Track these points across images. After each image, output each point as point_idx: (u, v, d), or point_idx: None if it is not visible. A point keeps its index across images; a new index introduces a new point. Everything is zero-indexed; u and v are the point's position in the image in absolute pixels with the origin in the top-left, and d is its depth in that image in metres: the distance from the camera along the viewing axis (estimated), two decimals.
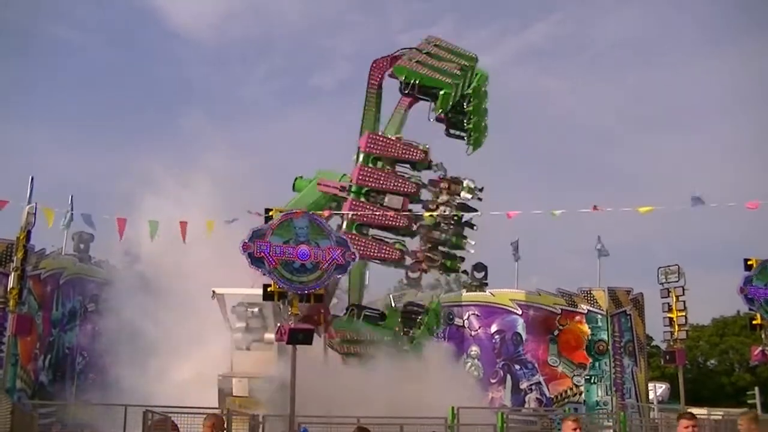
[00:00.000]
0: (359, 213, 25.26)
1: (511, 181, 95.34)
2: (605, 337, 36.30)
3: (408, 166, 27.19)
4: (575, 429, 9.29)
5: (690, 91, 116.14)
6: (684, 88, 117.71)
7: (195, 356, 24.26)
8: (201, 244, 25.13)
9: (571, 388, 36.08)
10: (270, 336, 22.21)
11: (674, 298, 31.43)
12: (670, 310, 31.59)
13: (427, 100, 27.46)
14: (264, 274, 18.56)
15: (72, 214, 30.84)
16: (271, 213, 19.16)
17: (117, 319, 26.78)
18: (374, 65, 28.18)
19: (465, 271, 27.04)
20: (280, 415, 18.69)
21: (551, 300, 37.10)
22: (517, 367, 36.37)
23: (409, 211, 26.08)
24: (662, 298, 32.12)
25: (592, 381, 36.08)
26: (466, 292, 37.39)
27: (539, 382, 36.19)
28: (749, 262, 25.15)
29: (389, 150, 26.46)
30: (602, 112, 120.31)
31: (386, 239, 26.48)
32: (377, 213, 25.49)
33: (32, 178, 20.79)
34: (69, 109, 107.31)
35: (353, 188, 26.11)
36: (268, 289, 18.54)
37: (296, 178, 28.33)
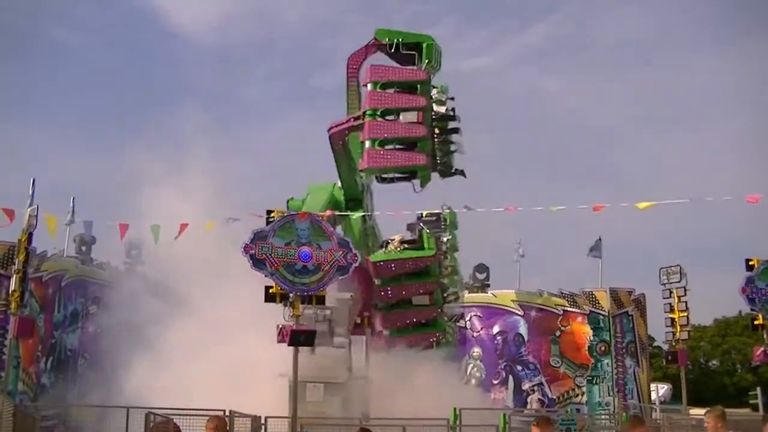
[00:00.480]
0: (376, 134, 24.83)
1: (512, 181, 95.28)
2: (607, 337, 36.31)
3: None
4: (718, 426, 8.77)
5: (690, 90, 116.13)
6: (684, 88, 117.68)
7: (205, 356, 24.21)
8: (202, 245, 25.17)
9: (573, 389, 36.10)
10: (340, 339, 22.12)
11: (676, 298, 31.44)
12: (671, 310, 31.59)
13: (412, 55, 26.92)
14: (266, 276, 18.56)
15: (73, 217, 30.90)
16: (272, 214, 19.17)
17: (119, 321, 26.78)
18: (332, 135, 27.74)
19: (462, 171, 26.27)
20: (282, 417, 18.67)
21: (553, 301, 37.13)
22: (519, 368, 36.39)
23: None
24: (664, 298, 32.12)
25: (594, 382, 36.09)
26: (468, 293, 37.37)
27: (541, 383, 36.21)
28: (751, 263, 25.17)
29: (394, 74, 26.14)
30: (602, 111, 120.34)
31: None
32: (398, 126, 25.00)
33: (33, 180, 20.78)
34: (69, 110, 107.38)
35: (368, 112, 25.67)
36: (270, 291, 18.55)
37: (288, 199, 28.10)
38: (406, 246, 26.12)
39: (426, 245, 26.21)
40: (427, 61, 26.00)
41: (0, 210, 19.78)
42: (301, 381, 20.77)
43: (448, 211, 27.05)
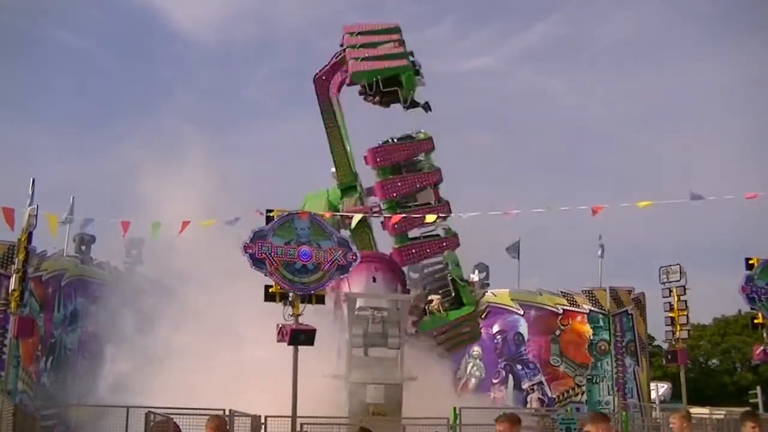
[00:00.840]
0: (398, 223, 25.00)
1: (511, 181, 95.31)
2: (607, 336, 36.33)
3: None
4: (754, 427, 8.49)
5: (690, 90, 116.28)
6: (683, 88, 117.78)
7: (206, 355, 24.22)
8: (202, 244, 25.19)
9: (573, 388, 36.11)
10: (393, 341, 22.13)
11: (676, 297, 31.42)
12: (671, 309, 31.57)
13: (393, 91, 26.88)
14: (265, 275, 18.56)
15: (72, 215, 30.86)
16: (272, 213, 19.17)
17: (118, 320, 26.79)
18: (317, 81, 27.63)
19: (427, 104, 26.36)
20: (283, 416, 18.65)
21: (553, 300, 37.14)
22: (519, 367, 36.42)
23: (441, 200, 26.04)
24: (664, 297, 32.10)
25: (594, 381, 36.11)
26: None
27: (541, 382, 36.25)
28: (750, 261, 25.14)
29: (396, 156, 26.29)
30: (602, 111, 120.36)
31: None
32: (416, 215, 25.22)
33: (33, 180, 20.78)
34: (70, 111, 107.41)
35: (384, 204, 25.99)
36: (270, 290, 18.56)
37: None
38: (446, 306, 26.68)
39: (465, 300, 26.69)
40: (411, 92, 26.12)
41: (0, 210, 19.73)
42: (362, 383, 20.93)
43: (447, 253, 27.33)
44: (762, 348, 25.12)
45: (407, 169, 26.53)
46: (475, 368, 36.68)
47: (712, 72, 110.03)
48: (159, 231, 22.34)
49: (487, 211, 25.28)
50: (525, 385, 36.28)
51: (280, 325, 18.25)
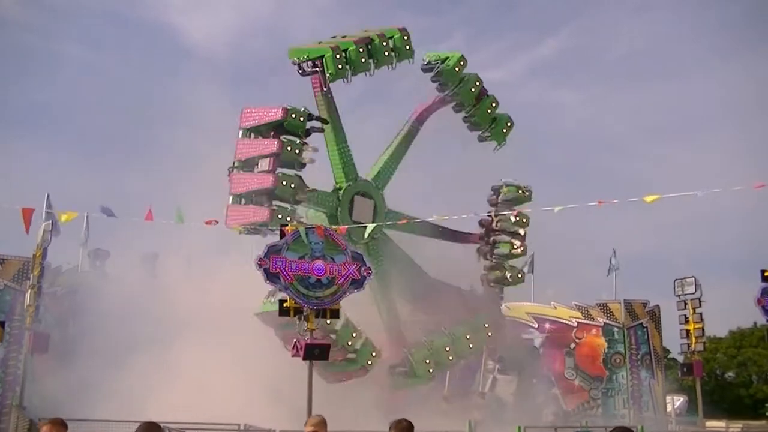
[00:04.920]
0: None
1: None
2: (622, 349, 36.12)
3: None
4: None
5: (702, 101, 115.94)
6: (695, 99, 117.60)
7: (220, 369, 24.26)
8: (220, 260, 25.31)
9: (588, 401, 35.89)
10: None
11: (691, 309, 31.35)
12: (686, 321, 31.50)
13: (317, 71, 27.87)
14: (279, 290, 18.57)
15: (88, 233, 31.06)
16: (286, 228, 19.20)
17: (134, 335, 26.81)
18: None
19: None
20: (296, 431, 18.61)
21: (567, 313, 36.98)
22: (534, 380, 36.20)
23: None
24: (679, 310, 32.05)
25: (609, 394, 35.88)
26: None
27: (556, 396, 36.03)
28: (766, 273, 25.04)
29: (257, 117, 26.81)
30: (614, 123, 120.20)
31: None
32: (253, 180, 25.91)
33: (48, 196, 20.95)
34: (84, 126, 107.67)
35: (234, 164, 26.57)
36: (284, 305, 18.56)
37: None
38: None
39: None
40: (330, 72, 26.86)
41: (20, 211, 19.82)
42: None
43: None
44: None
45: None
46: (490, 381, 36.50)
47: (724, 82, 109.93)
48: (183, 217, 22.38)
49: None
50: (540, 399, 36.07)
51: (295, 340, 18.27)
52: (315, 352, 18.02)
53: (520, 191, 31.97)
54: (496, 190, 32.07)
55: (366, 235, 26.76)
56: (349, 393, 25.05)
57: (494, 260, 31.77)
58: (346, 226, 24.44)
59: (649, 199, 19.39)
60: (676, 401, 41.62)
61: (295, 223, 23.81)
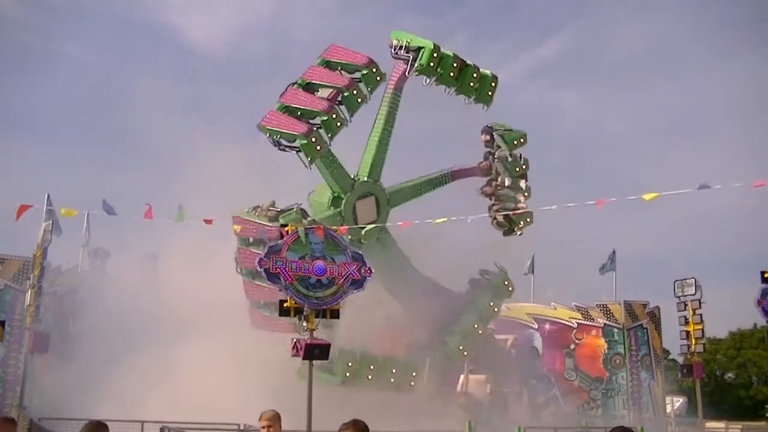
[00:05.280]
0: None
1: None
2: (622, 350, 36.14)
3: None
4: None
5: (702, 101, 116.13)
6: (695, 99, 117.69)
7: (220, 369, 24.26)
8: (220, 259, 25.32)
9: (588, 402, 35.90)
10: None
11: (691, 311, 31.33)
12: (686, 323, 31.48)
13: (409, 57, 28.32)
14: (280, 290, 18.56)
15: (89, 234, 31.08)
16: (286, 229, 19.19)
17: (134, 335, 26.82)
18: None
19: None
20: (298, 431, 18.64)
21: (567, 314, 37.00)
22: (534, 381, 36.21)
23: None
24: (679, 311, 32.02)
25: (609, 395, 35.90)
26: None
27: (556, 396, 36.04)
28: (766, 275, 25.03)
29: (344, 56, 27.38)
30: (614, 123, 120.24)
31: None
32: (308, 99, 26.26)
33: (48, 196, 20.95)
34: (84, 126, 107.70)
35: (298, 81, 26.73)
36: (284, 305, 18.55)
37: (309, 193, 28.73)
38: None
39: None
40: (421, 63, 27.07)
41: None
42: None
43: None
44: None
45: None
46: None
47: (724, 82, 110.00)
48: (183, 217, 22.40)
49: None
50: (540, 399, 36.07)
51: (295, 340, 18.26)
52: (315, 352, 18.01)
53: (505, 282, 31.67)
54: (488, 130, 32.03)
55: (364, 232, 26.71)
56: (349, 392, 25.05)
57: (498, 202, 31.84)
58: (346, 227, 24.42)
59: (647, 197, 19.32)
60: (675, 402, 41.58)
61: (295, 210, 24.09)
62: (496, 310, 31.23)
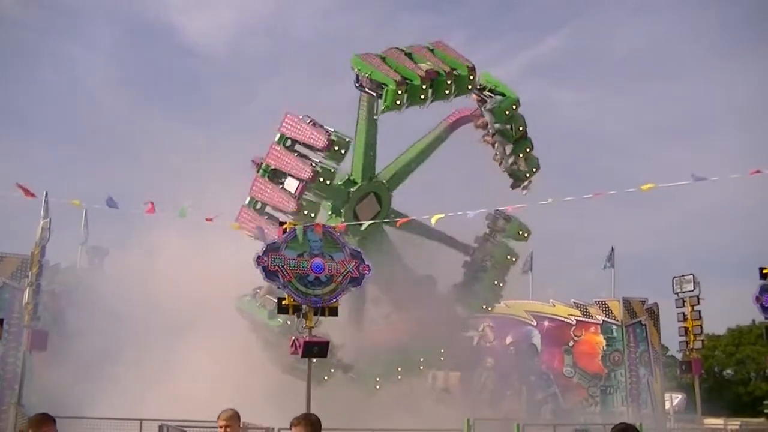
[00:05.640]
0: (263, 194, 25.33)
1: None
2: (620, 347, 36.13)
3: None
4: None
5: (702, 101, 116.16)
6: (695, 99, 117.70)
7: (217, 368, 24.25)
8: (220, 259, 25.30)
9: (587, 399, 35.93)
10: None
11: (689, 307, 31.37)
12: (685, 319, 31.52)
13: (372, 95, 26.67)
14: (278, 288, 18.55)
15: (87, 231, 31.03)
16: (285, 226, 19.18)
17: (132, 333, 26.80)
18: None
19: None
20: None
21: (566, 311, 37.01)
22: (533, 378, 36.24)
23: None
24: (677, 307, 32.06)
25: (607, 392, 35.92)
26: None
27: (555, 393, 36.07)
28: (765, 271, 25.05)
29: (298, 132, 25.67)
30: (614, 123, 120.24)
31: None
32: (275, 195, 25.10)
33: (46, 194, 20.89)
34: (83, 125, 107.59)
35: (263, 166, 25.57)
36: (283, 303, 18.55)
37: None
38: None
39: None
40: (386, 104, 25.79)
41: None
42: None
43: None
44: None
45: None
46: (488, 380, 36.49)
47: (724, 82, 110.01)
48: (186, 212, 22.34)
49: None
50: (538, 396, 36.10)
51: (294, 338, 18.24)
52: (314, 350, 18.00)
53: (520, 231, 30.40)
54: (478, 93, 29.45)
55: (366, 227, 26.50)
56: (348, 393, 25.04)
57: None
58: (345, 224, 24.38)
59: (645, 187, 19.43)
60: (674, 399, 41.66)
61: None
62: (501, 285, 30.65)
